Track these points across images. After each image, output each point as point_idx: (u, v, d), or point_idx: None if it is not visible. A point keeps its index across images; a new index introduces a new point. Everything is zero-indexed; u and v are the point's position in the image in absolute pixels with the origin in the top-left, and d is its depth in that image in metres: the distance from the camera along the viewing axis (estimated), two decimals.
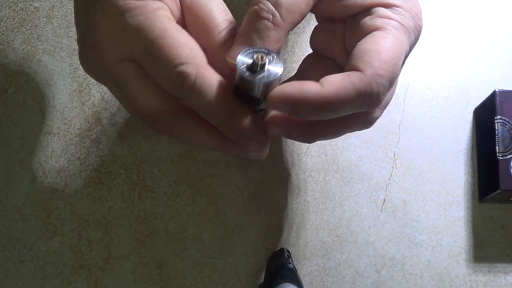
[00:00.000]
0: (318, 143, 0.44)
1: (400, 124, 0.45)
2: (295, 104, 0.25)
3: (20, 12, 0.46)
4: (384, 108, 0.30)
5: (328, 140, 0.44)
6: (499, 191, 0.40)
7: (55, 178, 0.43)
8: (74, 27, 0.46)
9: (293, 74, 0.33)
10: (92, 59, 0.27)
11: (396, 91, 0.46)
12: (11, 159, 0.43)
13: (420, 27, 0.28)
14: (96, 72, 0.28)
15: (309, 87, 0.25)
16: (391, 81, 0.26)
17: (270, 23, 0.25)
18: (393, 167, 0.44)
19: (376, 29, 0.26)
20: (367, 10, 0.27)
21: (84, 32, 0.27)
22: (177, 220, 0.42)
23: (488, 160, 0.42)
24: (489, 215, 0.43)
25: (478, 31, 0.48)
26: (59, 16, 0.46)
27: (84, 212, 0.42)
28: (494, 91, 0.43)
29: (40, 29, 0.46)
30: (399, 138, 0.45)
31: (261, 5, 0.26)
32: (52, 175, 0.43)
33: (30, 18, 0.46)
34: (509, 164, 0.41)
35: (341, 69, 0.28)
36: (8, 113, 0.44)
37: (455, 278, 0.42)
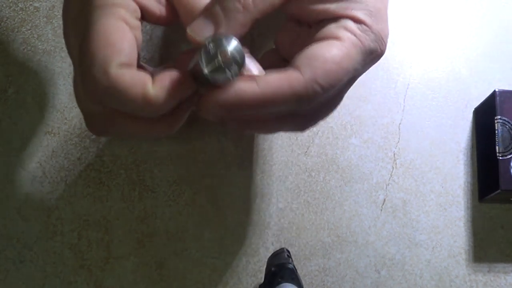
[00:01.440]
0: (318, 143, 0.44)
1: (400, 124, 0.45)
2: (230, 109, 0.25)
3: (20, 12, 0.46)
4: (318, 121, 0.30)
5: (328, 140, 0.44)
6: (499, 191, 0.40)
7: (55, 178, 0.43)
8: None
9: None
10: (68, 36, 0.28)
11: (396, 91, 0.46)
12: (11, 159, 0.43)
13: (381, 52, 0.28)
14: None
15: (245, 89, 0.25)
16: (327, 91, 0.26)
17: (239, 5, 0.25)
18: (393, 167, 0.44)
19: (335, 38, 0.26)
20: (335, 19, 0.27)
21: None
22: (177, 220, 0.42)
23: (488, 160, 0.42)
24: (489, 215, 0.43)
25: (478, 31, 0.48)
26: (59, 16, 0.46)
27: (84, 212, 0.42)
28: (494, 91, 0.43)
29: (40, 29, 0.46)
30: (399, 138, 0.45)
31: None
32: (52, 175, 0.43)
33: (30, 18, 0.46)
34: (509, 164, 0.41)
35: None
36: (8, 113, 0.44)
37: (455, 278, 0.42)
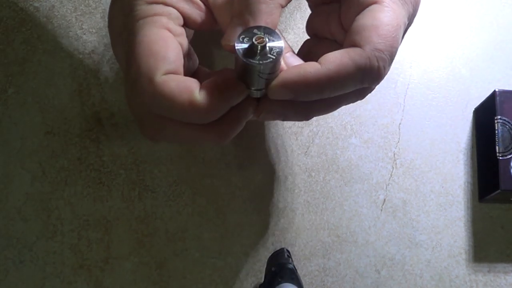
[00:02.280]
0: (318, 143, 0.44)
1: (400, 124, 0.45)
2: (296, 88, 0.25)
3: (20, 12, 0.46)
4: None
5: (328, 140, 0.44)
6: (499, 191, 0.40)
7: (55, 178, 0.43)
8: (74, 27, 0.46)
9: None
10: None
11: (396, 91, 0.46)
12: (11, 159, 0.43)
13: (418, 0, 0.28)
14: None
15: (308, 69, 0.25)
16: (391, 55, 0.26)
17: None
18: (393, 167, 0.44)
19: (373, 2, 0.26)
20: None
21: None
22: (177, 220, 0.42)
23: (488, 160, 0.42)
24: (489, 215, 0.43)
25: (478, 31, 0.48)
26: (59, 16, 0.46)
27: (84, 212, 0.42)
28: (494, 91, 0.43)
29: (40, 29, 0.46)
30: (399, 138, 0.45)
31: None
32: (52, 175, 0.43)
33: (30, 18, 0.46)
34: (509, 164, 0.41)
35: (341, 48, 0.27)
36: (8, 113, 0.44)
37: (455, 278, 0.42)
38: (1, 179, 0.42)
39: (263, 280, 0.39)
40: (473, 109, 0.46)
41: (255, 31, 0.24)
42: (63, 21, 0.46)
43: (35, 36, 0.46)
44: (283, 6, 0.26)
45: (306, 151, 0.44)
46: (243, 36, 0.24)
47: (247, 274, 0.41)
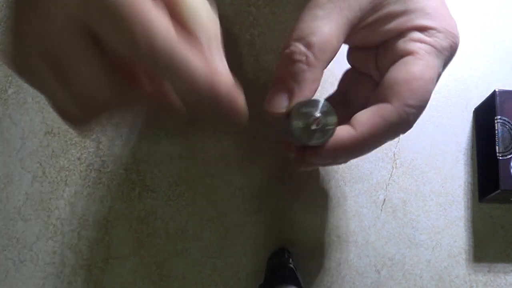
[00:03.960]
0: None
1: None
2: (335, 156, 0.26)
3: None
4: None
5: None
6: (499, 191, 0.40)
7: (55, 178, 0.43)
8: None
9: (335, 89, 0.34)
10: (30, 25, 0.20)
11: None
12: (11, 159, 0.43)
13: (456, 44, 0.28)
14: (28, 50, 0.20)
15: (343, 135, 0.25)
16: (421, 108, 0.26)
17: (304, 65, 0.25)
18: (393, 167, 0.44)
19: (408, 53, 0.26)
20: (400, 35, 0.27)
21: None
22: (177, 220, 0.42)
23: (488, 160, 0.42)
24: (489, 215, 0.43)
25: (479, 31, 0.48)
26: None
27: (84, 212, 0.42)
28: (494, 91, 0.43)
29: None
30: (399, 138, 0.45)
31: (292, 48, 0.25)
32: (52, 175, 0.43)
33: None
34: (509, 164, 0.41)
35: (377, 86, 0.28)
36: (8, 113, 0.44)
37: (455, 278, 0.42)
38: (1, 179, 0.42)
39: (263, 280, 0.39)
40: (473, 109, 0.46)
41: (311, 110, 0.25)
42: None
43: None
44: (324, 69, 0.26)
45: None
46: (299, 110, 0.25)
47: (247, 274, 0.41)
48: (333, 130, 0.25)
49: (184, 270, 0.41)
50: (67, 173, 0.43)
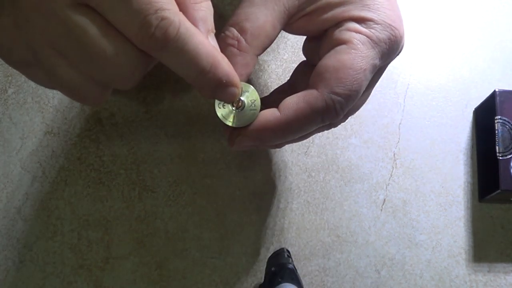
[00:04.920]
0: (318, 143, 0.44)
1: (400, 124, 0.45)
2: (259, 137, 0.26)
3: None
4: (349, 116, 0.30)
5: (328, 140, 0.44)
6: (499, 191, 0.40)
7: (55, 178, 0.43)
8: None
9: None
10: (34, 5, 0.19)
11: (396, 91, 0.46)
12: (11, 159, 0.43)
13: (395, 37, 0.27)
14: (34, 30, 0.20)
15: (268, 117, 0.26)
16: (350, 97, 0.26)
17: (235, 49, 0.26)
18: (393, 167, 0.44)
19: (342, 42, 0.26)
20: (338, 24, 0.27)
21: None
22: (177, 220, 0.42)
23: (488, 160, 0.42)
24: (489, 215, 0.43)
25: (479, 31, 0.48)
26: None
27: (84, 212, 0.42)
28: (494, 91, 0.43)
29: None
30: (399, 138, 0.45)
31: (227, 32, 0.26)
32: (52, 175, 0.43)
33: None
34: (509, 164, 0.41)
35: None
36: (8, 113, 0.44)
37: (455, 278, 0.42)
38: (1, 179, 0.42)
39: (263, 280, 0.39)
40: (473, 109, 0.46)
41: None
42: None
43: None
44: (258, 55, 0.27)
45: (306, 151, 0.44)
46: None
47: (247, 274, 0.41)
48: (256, 113, 0.26)
49: (184, 270, 0.41)
50: (67, 173, 0.43)
